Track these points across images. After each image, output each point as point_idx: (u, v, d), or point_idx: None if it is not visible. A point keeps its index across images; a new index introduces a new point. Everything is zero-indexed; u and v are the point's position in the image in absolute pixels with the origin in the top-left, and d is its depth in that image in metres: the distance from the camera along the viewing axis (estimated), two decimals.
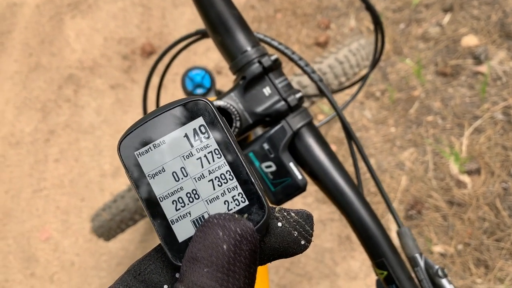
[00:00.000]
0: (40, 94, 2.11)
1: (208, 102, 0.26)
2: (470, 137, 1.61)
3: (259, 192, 0.25)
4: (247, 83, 0.46)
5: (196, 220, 0.26)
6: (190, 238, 0.25)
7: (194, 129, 0.26)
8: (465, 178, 1.54)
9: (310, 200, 1.64)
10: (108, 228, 1.13)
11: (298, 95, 0.47)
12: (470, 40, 1.79)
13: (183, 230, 0.25)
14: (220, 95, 0.47)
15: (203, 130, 0.26)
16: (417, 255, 0.48)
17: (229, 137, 0.26)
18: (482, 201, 1.50)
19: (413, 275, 0.49)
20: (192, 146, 0.26)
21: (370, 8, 0.62)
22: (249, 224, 0.24)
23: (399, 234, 0.50)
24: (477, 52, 1.74)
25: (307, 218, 0.26)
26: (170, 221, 0.25)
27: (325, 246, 1.56)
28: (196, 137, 0.26)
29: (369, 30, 1.94)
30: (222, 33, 0.48)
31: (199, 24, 2.19)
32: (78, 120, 2.01)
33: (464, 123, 1.64)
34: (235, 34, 0.48)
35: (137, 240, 1.66)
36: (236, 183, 0.25)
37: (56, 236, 1.73)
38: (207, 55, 2.09)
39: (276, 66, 0.48)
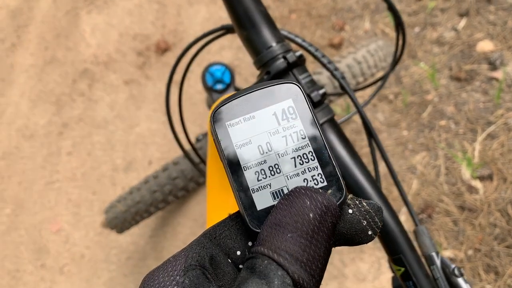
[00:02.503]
0: (55, 88, 2.13)
1: (300, 87, 0.28)
2: (483, 143, 1.60)
3: (338, 175, 0.27)
4: (271, 78, 0.47)
5: (276, 192, 0.27)
6: (268, 208, 0.27)
7: (283, 109, 0.27)
8: (477, 184, 1.54)
9: None
10: (122, 219, 1.14)
11: (322, 91, 0.48)
12: (485, 46, 1.78)
13: (263, 200, 0.27)
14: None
15: (291, 112, 0.27)
16: (434, 254, 0.48)
17: (315, 121, 0.27)
18: (494, 207, 1.49)
19: (429, 273, 0.49)
20: (279, 124, 0.27)
21: (392, 9, 0.62)
22: (333, 198, 0.25)
23: (416, 232, 0.50)
24: (492, 57, 1.73)
25: (378, 210, 0.26)
26: (252, 189, 0.27)
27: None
28: (284, 117, 0.27)
29: (383, 32, 1.94)
30: (248, 28, 0.49)
31: (214, 22, 2.20)
32: (91, 114, 2.02)
33: (477, 129, 1.63)
34: (261, 30, 0.49)
35: (147, 235, 1.68)
36: (317, 164, 0.27)
37: (67, 228, 1.75)
38: (221, 53, 2.10)
39: (300, 62, 0.48)
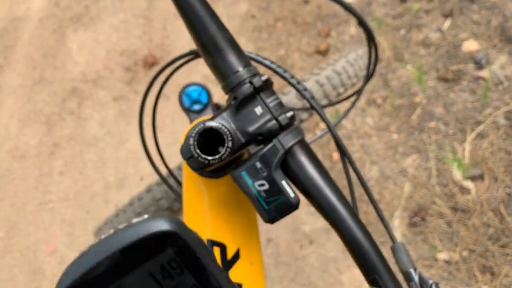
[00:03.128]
0: (44, 107, 2.13)
1: (178, 230, 0.20)
2: (472, 143, 1.61)
3: None
4: (239, 103, 0.47)
5: None
6: None
7: (162, 265, 0.20)
8: (469, 184, 1.54)
9: (314, 209, 1.64)
10: None
11: (289, 114, 0.48)
12: (470, 45, 1.79)
13: None
14: (214, 113, 0.48)
15: (174, 265, 0.20)
16: (411, 270, 0.48)
17: (212, 269, 0.20)
18: (486, 207, 1.49)
19: None
20: (161, 286, 0.20)
21: (362, 23, 0.62)
22: None
23: (393, 249, 0.50)
24: (478, 57, 1.74)
25: None
26: None
27: (329, 255, 1.56)
28: (165, 275, 0.20)
29: None
30: (214, 54, 0.49)
31: None
32: (82, 132, 2.02)
33: (467, 129, 1.64)
34: (227, 55, 0.49)
35: None
36: None
37: (62, 249, 1.74)
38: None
39: (267, 86, 0.48)
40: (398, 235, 1.52)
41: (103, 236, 0.20)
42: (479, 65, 1.73)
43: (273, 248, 1.62)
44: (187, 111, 0.76)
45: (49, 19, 2.45)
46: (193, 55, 0.60)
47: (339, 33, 2.01)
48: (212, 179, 0.57)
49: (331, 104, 0.85)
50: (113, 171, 1.88)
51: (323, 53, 1.95)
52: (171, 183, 0.94)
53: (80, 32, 2.37)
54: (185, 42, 2.19)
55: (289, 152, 0.48)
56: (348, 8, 0.62)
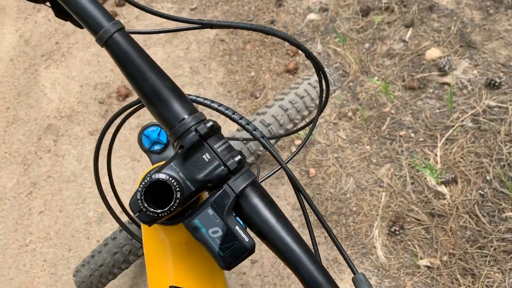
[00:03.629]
0: (20, 147, 2.12)
1: None
2: (443, 148, 1.64)
3: None
4: (186, 152, 0.47)
5: None
6: None
7: None
8: (443, 189, 1.57)
9: (295, 226, 1.65)
10: (89, 283, 1.13)
11: (237, 158, 0.47)
12: (433, 53, 1.84)
13: None
14: (161, 167, 0.48)
15: None
16: None
17: None
18: (462, 210, 1.52)
19: None
20: None
21: (310, 56, 0.63)
22: None
23: (354, 281, 0.50)
24: (441, 63, 1.78)
25: None
26: None
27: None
28: None
29: (335, 52, 1.99)
30: (158, 104, 0.49)
31: (171, 62, 2.23)
32: (59, 169, 2.01)
33: (437, 135, 1.67)
34: (170, 104, 0.49)
35: (127, 286, 1.66)
36: None
37: None
38: (183, 91, 2.12)
39: (213, 132, 0.48)
40: (378, 245, 1.54)
41: None
42: (443, 72, 1.78)
43: (258, 269, 1.62)
44: (148, 152, 0.77)
45: (20, 57, 2.46)
46: (141, 103, 0.60)
47: None
48: (170, 226, 0.58)
49: (289, 133, 0.86)
50: (93, 206, 1.87)
51: (292, 71, 1.99)
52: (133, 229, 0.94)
53: (52, 68, 2.38)
54: None
55: (241, 195, 0.47)
56: (295, 44, 0.62)
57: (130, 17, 2.47)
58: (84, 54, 2.38)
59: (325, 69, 1.28)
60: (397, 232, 1.54)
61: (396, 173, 1.65)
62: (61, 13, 0.58)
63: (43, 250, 1.80)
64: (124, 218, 1.71)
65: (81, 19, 0.51)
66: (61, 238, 1.82)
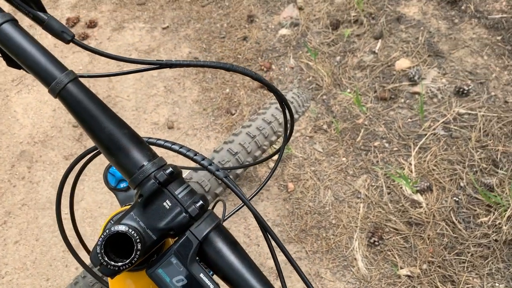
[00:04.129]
0: None
1: None
2: (417, 157, 1.67)
3: None
4: (146, 200, 0.46)
5: None
6: None
7: None
8: (419, 197, 1.59)
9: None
10: None
11: (199, 203, 0.46)
12: (402, 63, 1.88)
13: None
14: (121, 217, 0.46)
15: None
16: None
17: None
18: (438, 217, 1.54)
19: None
20: None
21: (272, 89, 0.63)
22: None
23: None
24: (410, 73, 1.82)
25: None
26: None
27: (296, 286, 1.56)
28: None
29: (308, 66, 2.01)
30: (116, 153, 0.48)
31: (145, 82, 2.22)
32: (35, 196, 1.97)
33: (410, 144, 1.70)
34: (129, 152, 0.48)
35: None
36: None
37: None
38: (157, 111, 2.11)
39: (173, 178, 0.47)
40: (359, 257, 1.55)
41: None
42: (413, 81, 1.82)
43: None
44: (114, 190, 0.76)
45: None
46: (98, 150, 0.59)
47: (279, 66, 2.07)
48: (137, 272, 0.57)
49: (257, 162, 0.86)
50: (70, 233, 1.83)
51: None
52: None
53: (23, 93, 2.34)
54: (131, 91, 2.20)
55: (204, 241, 0.46)
56: (256, 78, 0.61)
57: (102, 39, 2.46)
58: None
59: (295, 90, 1.29)
60: (376, 243, 1.55)
61: (373, 184, 1.66)
62: (12, 63, 0.57)
63: (20, 282, 1.76)
64: None
65: (32, 71, 0.50)
66: (38, 267, 1.78)
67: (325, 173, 1.74)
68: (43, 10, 0.56)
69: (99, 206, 1.87)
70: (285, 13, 2.24)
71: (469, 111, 1.70)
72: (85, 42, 2.42)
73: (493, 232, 1.46)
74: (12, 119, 2.25)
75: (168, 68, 0.57)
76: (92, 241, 1.78)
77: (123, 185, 0.75)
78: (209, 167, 0.50)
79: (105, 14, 2.56)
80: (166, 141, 0.53)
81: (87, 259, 0.78)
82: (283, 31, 2.18)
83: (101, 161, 1.91)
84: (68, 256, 1.78)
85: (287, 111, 0.68)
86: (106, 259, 0.43)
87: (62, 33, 0.54)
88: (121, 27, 2.48)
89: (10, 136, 2.19)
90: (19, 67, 0.59)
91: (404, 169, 1.65)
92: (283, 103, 0.66)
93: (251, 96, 2.02)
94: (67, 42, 0.55)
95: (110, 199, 1.88)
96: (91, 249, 0.72)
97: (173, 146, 0.52)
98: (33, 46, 0.50)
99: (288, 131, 0.71)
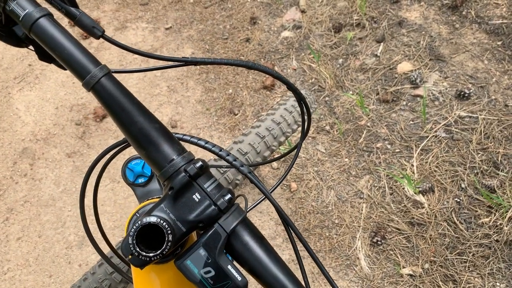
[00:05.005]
0: None
1: None
2: (419, 158, 1.69)
3: None
4: (176, 193, 0.47)
5: None
6: None
7: None
8: (421, 198, 1.61)
9: (279, 241, 1.67)
10: None
11: (227, 197, 0.48)
12: (404, 66, 1.91)
13: None
14: (151, 208, 0.48)
15: None
16: None
17: None
18: (440, 218, 1.57)
19: None
20: None
21: (291, 87, 0.64)
22: None
23: None
24: (412, 76, 1.85)
25: None
26: None
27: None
28: None
29: (310, 68, 2.04)
30: (146, 147, 0.49)
31: (148, 81, 2.23)
32: (37, 194, 1.97)
33: (412, 145, 1.73)
34: (159, 146, 0.49)
35: None
36: None
37: None
38: (160, 110, 2.12)
39: (203, 171, 0.48)
40: (362, 256, 1.57)
41: None
42: (414, 84, 1.85)
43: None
44: (132, 185, 0.77)
45: None
46: (127, 143, 0.60)
47: (282, 67, 2.09)
48: (161, 264, 0.58)
49: (269, 161, 0.87)
50: (73, 230, 1.84)
51: (269, 88, 2.02)
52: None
53: (25, 91, 2.34)
54: (134, 91, 2.20)
55: (232, 234, 0.47)
56: (277, 77, 0.62)
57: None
58: (59, 76, 2.36)
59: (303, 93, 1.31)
60: (379, 243, 1.57)
61: (375, 184, 1.69)
62: (44, 57, 0.58)
63: (22, 278, 1.76)
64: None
65: (67, 65, 0.51)
66: (40, 264, 1.78)
67: (328, 173, 1.76)
68: (75, 5, 0.57)
69: (102, 204, 1.87)
70: (287, 16, 2.26)
71: (470, 114, 1.74)
72: (87, 41, 2.43)
73: (494, 232, 1.49)
74: (14, 116, 2.25)
75: (193, 66, 0.58)
76: (96, 238, 1.79)
77: (141, 180, 0.76)
78: (234, 162, 0.52)
79: (108, 14, 2.57)
80: (192, 136, 0.55)
81: (105, 251, 0.79)
82: (286, 33, 2.20)
83: (104, 159, 1.92)
84: (71, 253, 1.78)
85: (304, 109, 0.70)
86: (137, 249, 0.44)
87: (93, 29, 0.56)
88: (124, 27, 2.49)
89: (12, 133, 2.19)
90: (51, 61, 0.60)
91: (406, 170, 1.68)
92: (302, 101, 0.67)
93: (253, 96, 2.04)
94: (98, 37, 0.56)
95: (113, 197, 1.89)
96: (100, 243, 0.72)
97: (199, 142, 0.54)
98: (68, 41, 0.51)
99: (306, 129, 0.73)
